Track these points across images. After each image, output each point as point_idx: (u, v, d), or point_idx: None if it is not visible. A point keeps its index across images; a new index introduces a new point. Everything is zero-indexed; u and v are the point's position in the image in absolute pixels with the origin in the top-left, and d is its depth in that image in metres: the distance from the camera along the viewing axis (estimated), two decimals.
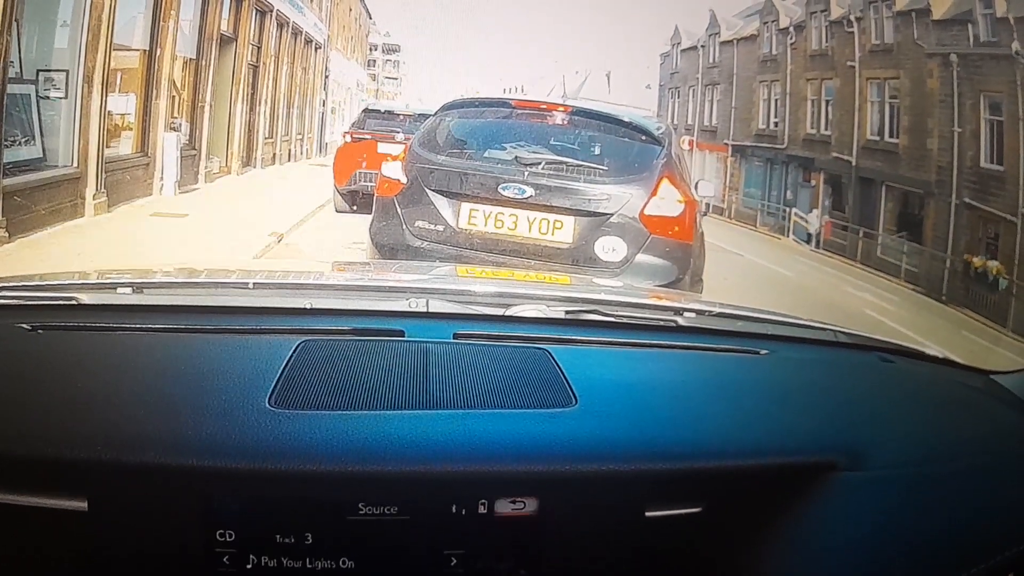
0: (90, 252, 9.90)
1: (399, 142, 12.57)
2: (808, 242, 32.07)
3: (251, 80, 23.09)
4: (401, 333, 1.72)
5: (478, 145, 6.17)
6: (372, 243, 6.10)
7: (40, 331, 1.60)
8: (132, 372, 1.51)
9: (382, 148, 14.01)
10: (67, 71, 11.81)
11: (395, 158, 6.15)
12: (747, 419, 1.55)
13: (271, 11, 24.43)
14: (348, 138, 16.86)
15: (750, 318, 2.27)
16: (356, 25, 48.47)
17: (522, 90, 63.82)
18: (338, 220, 15.18)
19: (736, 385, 1.73)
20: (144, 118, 14.97)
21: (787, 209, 34.91)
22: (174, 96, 16.57)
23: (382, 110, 18.80)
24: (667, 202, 5.60)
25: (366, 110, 18.94)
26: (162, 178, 15.38)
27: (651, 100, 51.09)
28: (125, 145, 14.62)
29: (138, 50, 14.65)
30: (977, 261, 23.51)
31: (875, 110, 30.04)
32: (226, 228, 12.74)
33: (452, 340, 1.72)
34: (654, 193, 5.57)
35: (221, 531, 1.30)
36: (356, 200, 15.38)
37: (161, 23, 14.95)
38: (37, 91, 11.25)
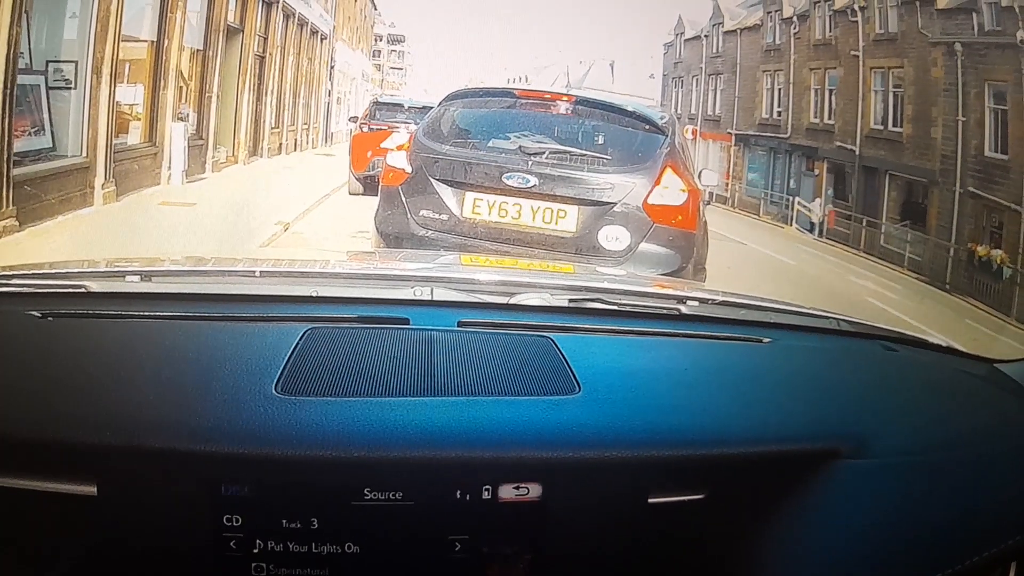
0: (99, 241, 9.98)
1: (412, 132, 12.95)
2: (811, 231, 32.04)
3: (257, 71, 23.15)
4: (406, 321, 1.72)
5: (482, 135, 6.14)
6: (377, 232, 6.09)
7: (50, 318, 1.60)
8: (141, 359, 1.51)
9: (396, 137, 14.33)
10: (76, 62, 11.85)
11: (400, 147, 6.14)
12: (750, 407, 1.55)
13: (277, 2, 24.49)
14: (365, 128, 17.65)
15: (753, 306, 2.26)
16: (361, 16, 48.46)
17: (526, 79, 63.85)
18: (343, 209, 15.19)
19: (739, 373, 1.73)
20: (152, 108, 15.00)
21: (790, 198, 34.88)
22: (182, 87, 16.60)
23: (391, 103, 19.49)
24: (671, 191, 5.59)
25: (376, 102, 19.42)
26: (170, 167, 15.46)
27: (655, 90, 51.14)
28: (133, 135, 14.64)
29: (146, 41, 14.68)
30: (981, 250, 23.44)
31: (879, 99, 29.96)
32: (233, 217, 12.81)
33: (456, 328, 1.72)
34: (657, 182, 5.56)
35: (228, 516, 1.30)
36: (370, 184, 15.54)
37: (169, 14, 14.97)
38: (47, 82, 11.27)
